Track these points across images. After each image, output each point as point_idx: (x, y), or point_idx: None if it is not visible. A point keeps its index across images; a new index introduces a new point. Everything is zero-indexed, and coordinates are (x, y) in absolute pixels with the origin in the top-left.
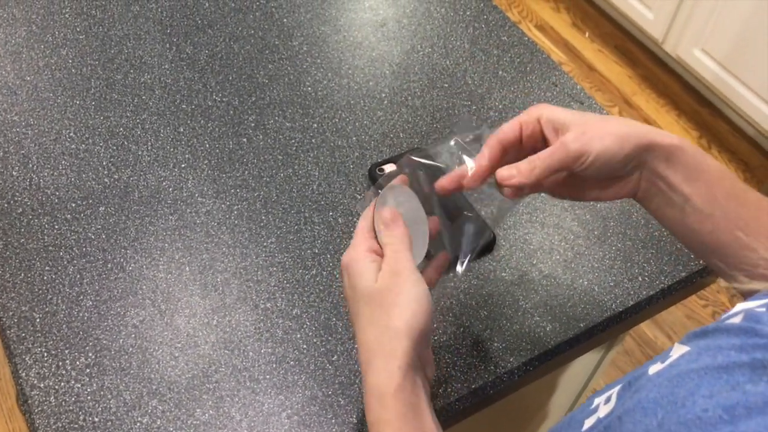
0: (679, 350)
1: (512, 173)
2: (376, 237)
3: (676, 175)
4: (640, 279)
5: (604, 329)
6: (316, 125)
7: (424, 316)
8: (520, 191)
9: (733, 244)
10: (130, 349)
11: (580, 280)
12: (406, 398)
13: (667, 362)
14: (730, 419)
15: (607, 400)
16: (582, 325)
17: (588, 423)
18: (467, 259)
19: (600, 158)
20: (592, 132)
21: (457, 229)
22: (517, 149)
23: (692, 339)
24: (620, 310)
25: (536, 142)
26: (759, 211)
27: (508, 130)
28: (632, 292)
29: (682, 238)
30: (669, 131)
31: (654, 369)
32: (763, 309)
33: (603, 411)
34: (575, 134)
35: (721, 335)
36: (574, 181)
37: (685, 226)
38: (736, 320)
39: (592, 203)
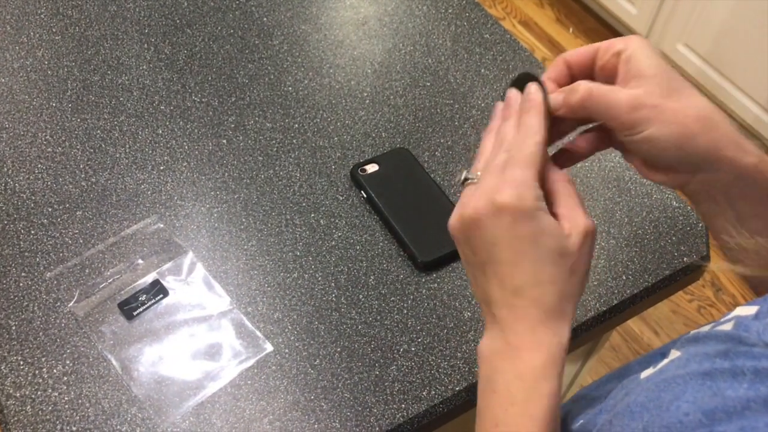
0: (671, 355)
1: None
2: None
3: (740, 201)
4: (623, 277)
5: (589, 328)
6: (297, 125)
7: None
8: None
9: None
10: (109, 357)
11: None
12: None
13: (658, 367)
14: (709, 423)
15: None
16: None
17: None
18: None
19: (650, 142)
20: (662, 111)
21: (439, 227)
22: (588, 77)
23: (684, 345)
24: (604, 309)
25: (610, 78)
26: None
27: (580, 51)
28: (616, 291)
29: (717, 239)
30: None
31: (645, 374)
32: (752, 315)
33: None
34: (641, 101)
35: (710, 342)
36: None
37: (730, 236)
38: (727, 327)
39: None
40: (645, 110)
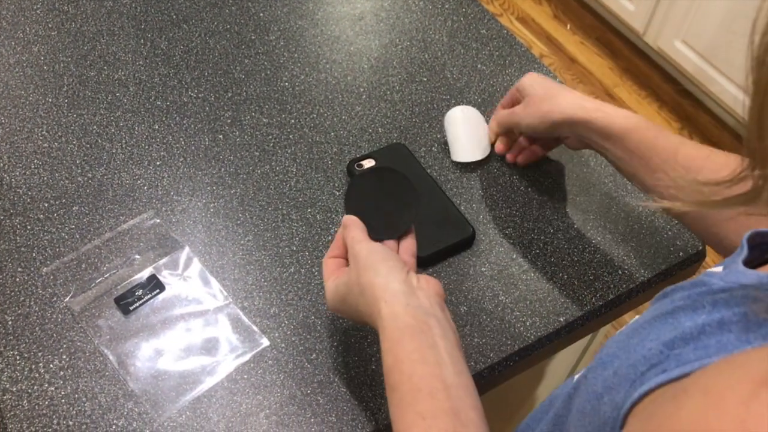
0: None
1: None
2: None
3: (597, 140)
4: (620, 272)
5: (584, 323)
6: (293, 121)
7: (373, 262)
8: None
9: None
10: (105, 351)
11: (560, 274)
12: (402, 323)
13: (630, 322)
14: (668, 351)
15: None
16: (562, 319)
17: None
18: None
19: (528, 129)
20: (529, 109)
21: (436, 222)
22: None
23: (655, 301)
24: (600, 304)
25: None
26: (667, 152)
27: (506, 99)
28: (612, 286)
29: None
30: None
31: (620, 330)
32: (720, 268)
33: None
34: (518, 108)
35: (678, 292)
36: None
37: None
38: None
39: (571, 198)
40: (517, 115)
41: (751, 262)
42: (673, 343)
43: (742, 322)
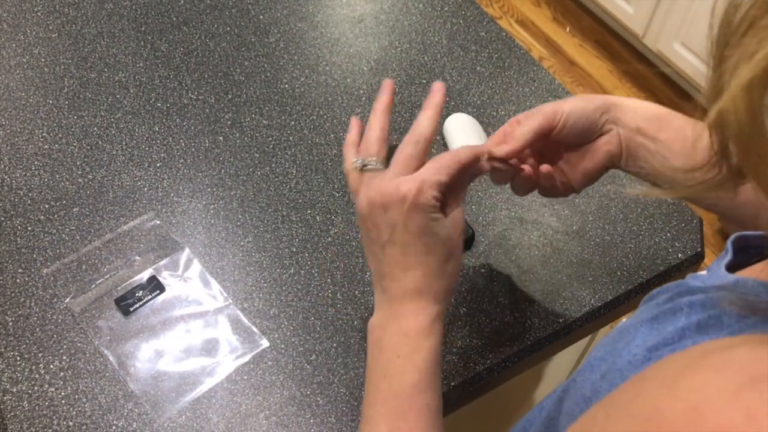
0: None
1: (503, 145)
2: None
3: (648, 125)
4: (618, 273)
5: (583, 324)
6: (293, 123)
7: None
8: (511, 176)
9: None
10: (105, 352)
11: (559, 276)
12: (438, 341)
13: (617, 325)
14: (650, 356)
15: None
16: (561, 320)
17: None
18: None
19: (573, 114)
20: (561, 101)
21: None
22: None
23: (643, 303)
24: (599, 305)
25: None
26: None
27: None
28: (611, 287)
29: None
30: None
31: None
32: (705, 271)
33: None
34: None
35: (663, 294)
36: (564, 158)
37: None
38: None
39: (570, 198)
40: (553, 103)
41: (738, 266)
42: (656, 348)
43: (717, 324)
